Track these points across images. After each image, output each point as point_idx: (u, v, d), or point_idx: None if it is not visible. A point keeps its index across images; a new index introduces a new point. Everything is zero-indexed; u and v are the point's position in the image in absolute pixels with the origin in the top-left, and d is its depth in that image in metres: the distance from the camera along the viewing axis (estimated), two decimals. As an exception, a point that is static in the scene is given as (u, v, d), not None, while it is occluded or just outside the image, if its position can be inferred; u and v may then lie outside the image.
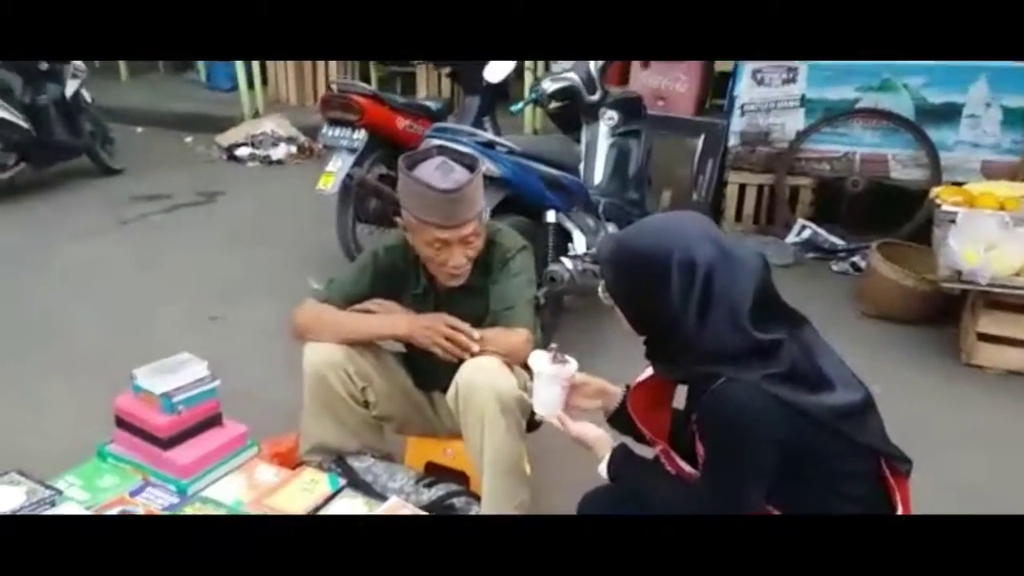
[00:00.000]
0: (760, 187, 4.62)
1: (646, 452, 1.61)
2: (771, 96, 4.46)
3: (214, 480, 1.73)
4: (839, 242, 4.32)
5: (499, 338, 1.86)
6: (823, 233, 4.36)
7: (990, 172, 4.11)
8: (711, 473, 1.39)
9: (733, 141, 4.59)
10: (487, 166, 2.72)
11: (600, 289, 1.48)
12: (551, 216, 2.93)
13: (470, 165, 1.87)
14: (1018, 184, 3.54)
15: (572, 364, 1.61)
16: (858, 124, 4.34)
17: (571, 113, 3.66)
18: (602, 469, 1.54)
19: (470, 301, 1.98)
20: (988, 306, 2.97)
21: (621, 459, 1.54)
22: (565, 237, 3.07)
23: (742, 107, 4.53)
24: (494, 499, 1.83)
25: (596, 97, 3.55)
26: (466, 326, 1.85)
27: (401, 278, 2.03)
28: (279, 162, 6.10)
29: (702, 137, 4.62)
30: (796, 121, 4.46)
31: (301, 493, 1.69)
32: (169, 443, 1.69)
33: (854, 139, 4.37)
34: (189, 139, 6.71)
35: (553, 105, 3.66)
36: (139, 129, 6.95)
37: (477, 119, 4.37)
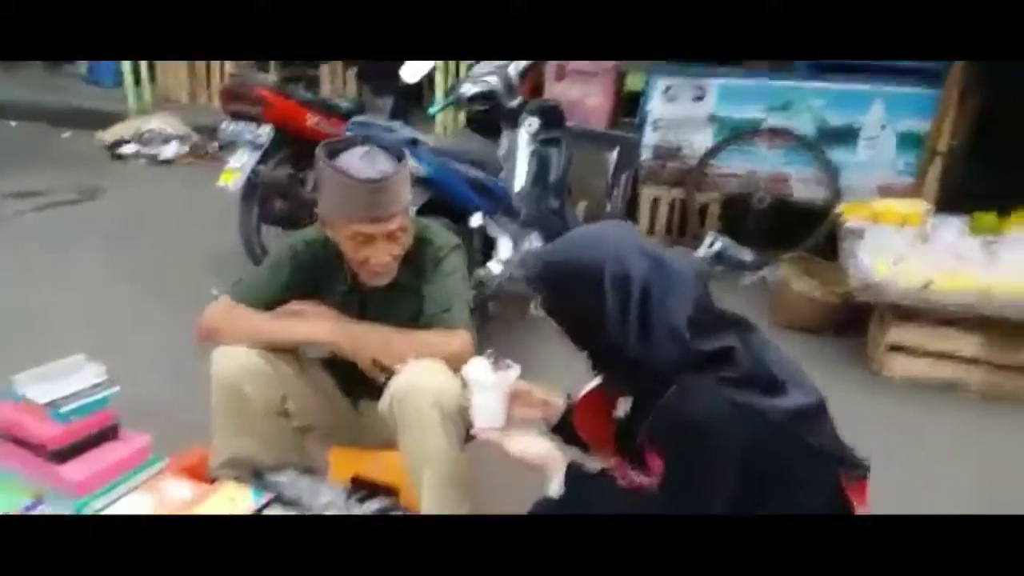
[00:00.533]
0: (672, 201, 4.70)
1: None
2: (682, 113, 4.55)
3: (117, 497, 1.50)
4: (748, 256, 4.42)
5: (437, 342, 1.73)
6: (733, 246, 4.46)
7: (886, 193, 4.30)
8: (672, 482, 1.30)
9: (645, 155, 4.64)
10: (412, 164, 2.59)
11: (532, 305, 1.42)
12: (476, 220, 2.82)
13: (397, 156, 1.73)
14: (917, 201, 3.74)
15: (515, 370, 1.50)
16: (763, 143, 4.47)
17: (489, 118, 3.58)
18: (554, 489, 1.43)
19: (399, 301, 1.85)
20: (897, 317, 3.08)
21: (574, 480, 1.43)
22: (489, 243, 2.96)
23: (654, 122, 4.60)
24: (435, 513, 1.68)
25: (516, 102, 3.49)
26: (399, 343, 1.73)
27: (324, 275, 1.86)
28: (168, 161, 5.70)
29: (617, 150, 4.63)
30: (705, 138, 4.56)
31: (222, 508, 1.49)
32: (59, 456, 1.44)
33: (759, 157, 4.51)
34: (67, 134, 6.18)
35: (471, 109, 3.57)
36: (12, 123, 6.37)
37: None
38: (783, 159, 4.47)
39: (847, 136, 4.35)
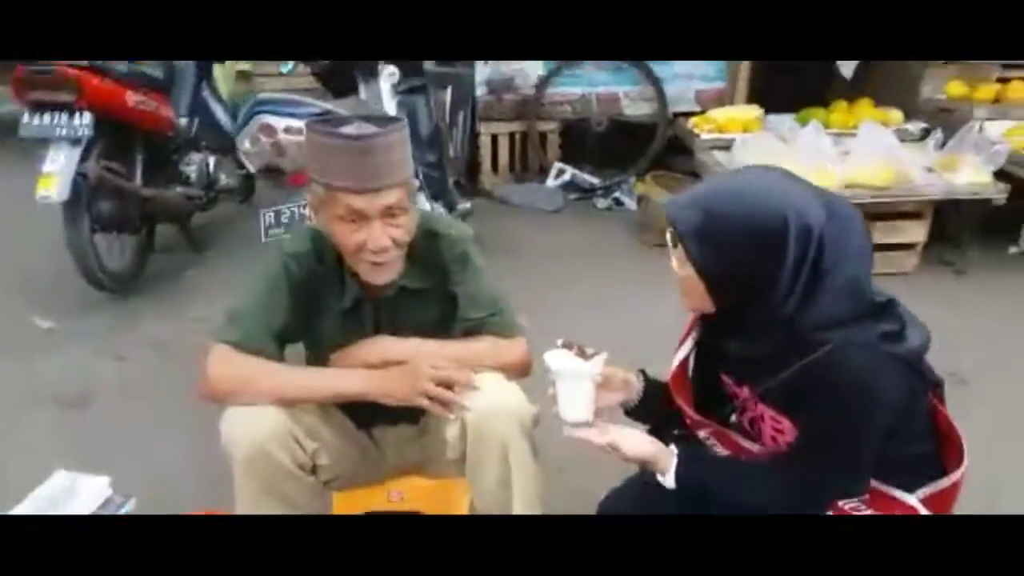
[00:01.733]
0: (512, 135, 4.63)
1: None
2: (509, 42, 4.43)
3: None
4: (595, 180, 4.53)
5: (498, 353, 1.55)
6: (580, 173, 4.53)
7: (702, 100, 4.61)
8: (824, 443, 1.26)
9: (480, 91, 4.50)
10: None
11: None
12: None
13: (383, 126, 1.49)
14: (748, 107, 4.03)
15: (603, 355, 1.38)
16: (592, 66, 4.53)
17: (342, 72, 3.21)
18: (669, 480, 1.34)
19: (419, 309, 1.61)
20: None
21: (690, 461, 1.36)
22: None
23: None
24: None
25: (372, 51, 3.15)
26: (452, 365, 1.49)
27: (322, 290, 1.57)
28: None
29: (450, 89, 4.43)
30: (535, 66, 4.51)
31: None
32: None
33: (589, 80, 4.57)
34: None
35: (322, 63, 3.19)
36: None
37: (195, 87, 3.68)
38: (611, 79, 4.57)
39: (664, 50, 4.54)
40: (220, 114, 4.00)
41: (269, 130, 2.18)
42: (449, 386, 1.46)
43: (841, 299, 1.19)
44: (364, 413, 1.69)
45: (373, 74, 3.20)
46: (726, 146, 3.70)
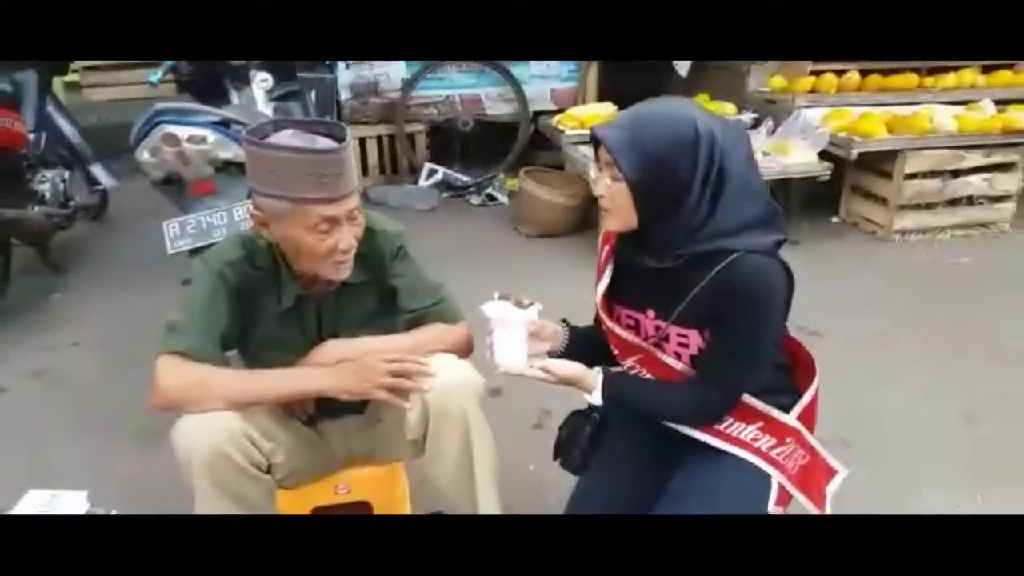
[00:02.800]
0: (379, 138, 4.67)
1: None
2: (371, 46, 4.48)
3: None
4: (466, 178, 4.68)
5: (446, 339, 1.64)
6: (451, 172, 4.66)
7: (557, 98, 4.88)
8: (736, 347, 1.43)
9: (345, 95, 4.51)
10: (234, 151, 2.24)
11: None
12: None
13: (326, 131, 1.54)
14: (606, 104, 4.32)
15: (536, 306, 1.50)
16: (454, 68, 4.67)
17: (208, 79, 3.14)
18: (596, 397, 1.52)
19: (357, 304, 1.67)
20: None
21: (613, 380, 1.54)
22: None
23: (346, 60, 4.46)
24: (491, 507, 1.65)
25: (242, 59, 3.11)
26: (405, 355, 1.55)
27: (259, 294, 1.60)
28: None
29: (313, 94, 4.41)
30: (398, 70, 4.59)
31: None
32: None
33: (452, 82, 4.71)
34: None
35: (183, 72, 3.09)
36: None
37: (39, 100, 3.46)
38: (474, 81, 4.74)
39: (520, 52, 4.76)
40: (66, 127, 3.76)
41: (172, 139, 2.13)
42: (405, 375, 1.53)
43: (741, 204, 1.37)
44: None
45: (245, 80, 3.16)
46: (589, 141, 3.96)
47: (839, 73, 4.28)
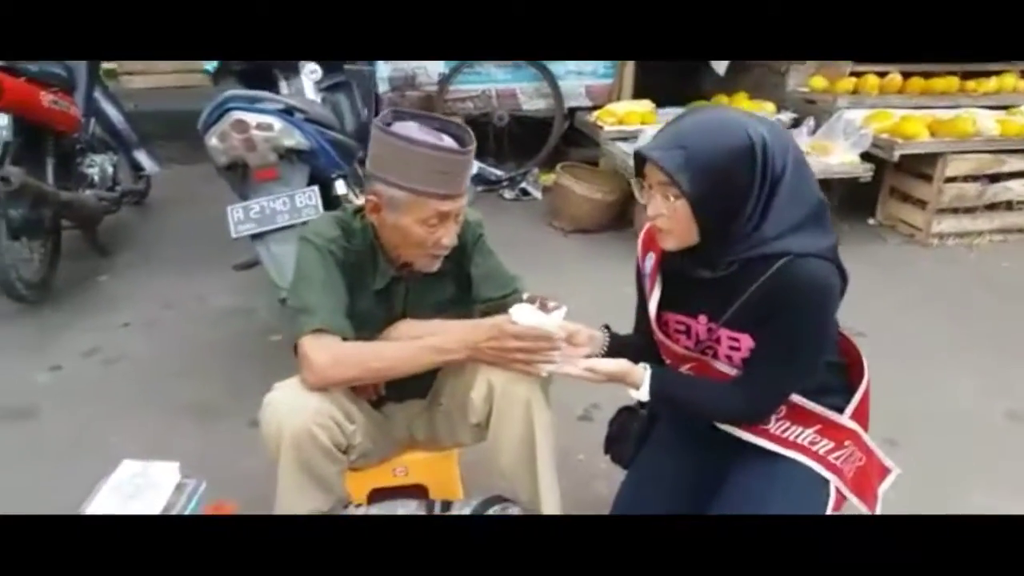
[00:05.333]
0: (416, 131, 4.70)
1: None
2: (410, 39, 4.51)
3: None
4: (500, 173, 4.70)
5: None
6: (485, 167, 4.69)
7: (592, 94, 4.89)
8: (787, 349, 1.42)
9: (383, 88, 4.54)
10: (296, 139, 2.28)
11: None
12: (341, 187, 2.58)
13: (437, 125, 1.59)
14: (642, 102, 4.33)
15: (563, 309, 1.52)
16: (491, 63, 4.69)
17: (261, 68, 3.18)
18: (643, 393, 1.52)
19: (436, 289, 1.73)
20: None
21: (661, 377, 1.54)
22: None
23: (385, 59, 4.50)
24: (549, 494, 1.67)
25: (294, 48, 3.14)
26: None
27: (358, 273, 1.64)
28: None
29: (353, 86, 4.45)
30: (436, 64, 4.61)
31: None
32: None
33: (488, 77, 4.73)
34: None
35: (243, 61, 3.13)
36: None
37: (88, 86, 3.51)
38: (509, 76, 4.76)
39: (558, 48, 4.77)
40: (113, 113, 3.82)
41: (242, 126, 2.16)
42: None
43: (792, 205, 1.37)
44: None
45: (295, 71, 3.19)
46: (627, 137, 3.99)
47: (881, 75, 4.27)
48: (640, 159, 1.42)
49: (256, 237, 2.24)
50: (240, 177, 2.29)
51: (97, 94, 3.69)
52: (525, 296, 1.55)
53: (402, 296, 1.69)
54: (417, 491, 1.88)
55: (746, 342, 1.47)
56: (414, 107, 4.62)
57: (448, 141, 1.53)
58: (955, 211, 3.92)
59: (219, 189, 2.58)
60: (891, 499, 1.62)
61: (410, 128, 1.52)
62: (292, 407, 1.49)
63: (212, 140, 2.18)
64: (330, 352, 1.51)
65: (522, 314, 1.49)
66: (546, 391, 1.64)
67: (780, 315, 1.39)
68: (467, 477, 1.96)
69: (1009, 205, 3.94)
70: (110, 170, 3.46)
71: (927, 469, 2.11)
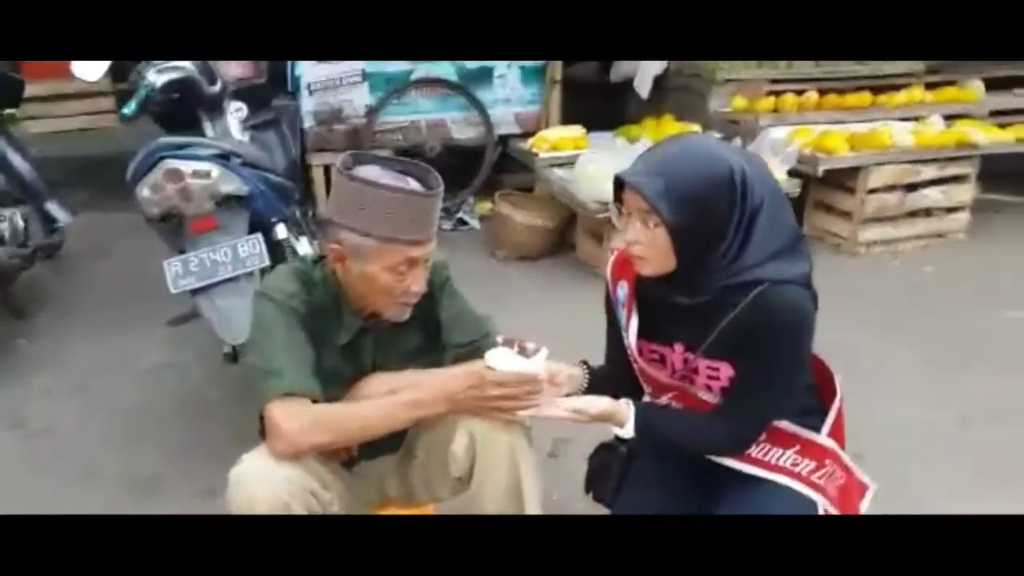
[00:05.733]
0: (345, 165, 4.58)
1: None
2: (335, 73, 4.41)
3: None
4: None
5: None
6: (420, 198, 4.60)
7: (521, 121, 4.88)
8: (767, 376, 1.42)
9: (308, 122, 4.42)
10: (235, 184, 2.16)
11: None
12: (281, 231, 2.45)
13: (400, 169, 1.52)
14: (573, 127, 4.35)
15: (544, 350, 1.48)
16: (419, 93, 4.63)
17: (182, 109, 3.02)
18: (628, 431, 1.50)
19: (404, 338, 1.65)
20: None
21: (646, 410, 1.53)
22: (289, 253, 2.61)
23: (308, 86, 4.39)
24: None
25: (218, 87, 3.00)
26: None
27: (321, 327, 1.55)
28: None
29: (282, 122, 4.30)
30: (363, 96, 4.52)
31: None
32: None
33: (417, 108, 4.66)
34: None
35: (156, 101, 2.96)
36: None
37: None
38: (438, 106, 4.70)
39: (483, 76, 4.75)
40: (19, 163, 3.56)
41: (176, 175, 2.03)
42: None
43: (770, 234, 1.38)
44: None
45: (219, 110, 3.05)
46: (562, 163, 4.00)
47: (798, 93, 4.43)
48: (619, 184, 1.40)
49: (198, 291, 2.10)
50: (175, 228, 2.14)
51: (2, 143, 3.44)
52: (500, 340, 1.48)
53: (370, 349, 1.61)
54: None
55: (726, 371, 1.47)
56: (341, 141, 4.52)
57: (413, 184, 1.47)
58: (878, 220, 4.08)
59: (137, 239, 2.44)
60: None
61: (373, 172, 1.45)
62: (263, 479, 1.38)
63: (144, 192, 2.04)
64: (301, 417, 1.41)
65: (500, 360, 1.43)
66: (528, 435, 1.59)
67: (759, 343, 1.39)
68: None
69: (927, 212, 4.13)
70: (21, 224, 3.21)
71: (889, 479, 2.15)
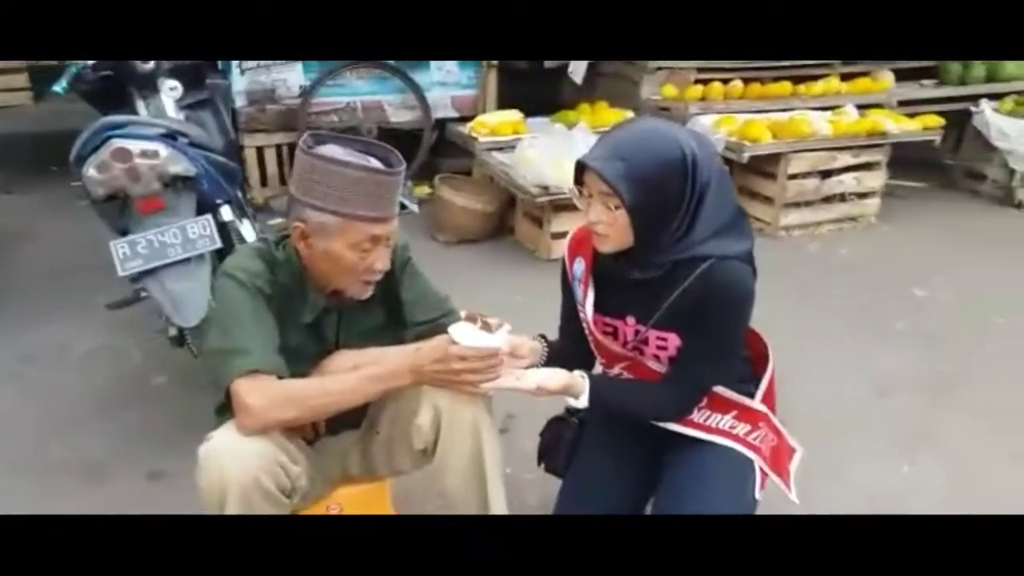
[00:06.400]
0: (278, 147, 4.52)
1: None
2: (267, 52, 4.33)
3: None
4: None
5: None
6: (356, 181, 4.57)
7: (457, 105, 4.91)
8: (712, 345, 1.54)
9: (240, 103, 4.32)
10: (184, 165, 2.13)
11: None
12: (227, 213, 2.42)
13: (363, 148, 1.55)
14: (510, 112, 4.40)
15: (505, 326, 1.55)
16: (354, 75, 4.59)
17: (113, 87, 2.92)
18: (583, 401, 1.59)
19: (367, 317, 1.69)
20: (554, 209, 3.74)
21: (599, 382, 1.63)
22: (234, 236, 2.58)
23: (240, 66, 4.29)
24: (499, 507, 1.68)
25: (150, 66, 2.92)
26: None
27: (286, 305, 1.57)
28: None
29: (217, 101, 4.19)
30: (297, 76, 4.46)
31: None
32: None
33: (353, 89, 4.63)
34: None
35: (87, 79, 2.86)
36: None
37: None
38: (375, 88, 4.68)
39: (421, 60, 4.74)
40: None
41: (124, 154, 1.97)
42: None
43: (716, 212, 1.48)
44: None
45: (152, 88, 2.96)
46: (502, 147, 4.05)
47: (724, 82, 4.61)
48: (580, 168, 1.49)
49: (146, 274, 2.06)
50: (119, 209, 2.10)
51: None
52: (463, 315, 1.54)
53: (334, 327, 1.64)
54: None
55: (673, 341, 1.58)
56: (275, 122, 4.46)
57: (375, 163, 1.51)
58: (797, 205, 4.31)
59: (64, 220, 2.35)
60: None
61: (336, 151, 1.48)
62: (235, 454, 1.40)
63: (90, 171, 1.98)
64: (268, 393, 1.44)
65: (464, 334, 1.48)
66: (490, 408, 1.66)
67: (705, 314, 1.50)
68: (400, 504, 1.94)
69: (843, 197, 4.37)
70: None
71: (812, 448, 2.32)
